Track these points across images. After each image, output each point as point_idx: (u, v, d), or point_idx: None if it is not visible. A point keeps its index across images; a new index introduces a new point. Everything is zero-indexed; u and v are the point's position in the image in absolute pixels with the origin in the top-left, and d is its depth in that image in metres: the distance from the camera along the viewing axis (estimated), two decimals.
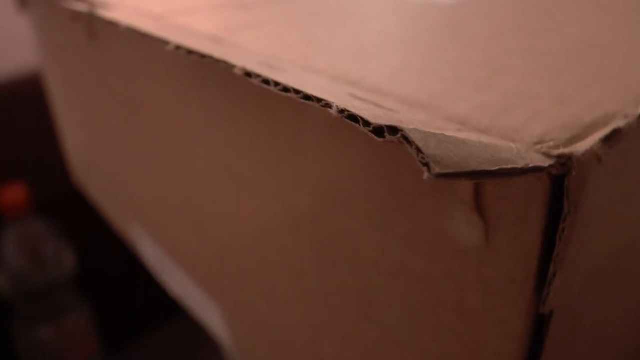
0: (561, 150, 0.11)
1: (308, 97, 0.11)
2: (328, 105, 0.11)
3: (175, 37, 0.17)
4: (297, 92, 0.11)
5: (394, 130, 0.10)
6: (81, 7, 0.22)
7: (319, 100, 0.11)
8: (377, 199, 0.15)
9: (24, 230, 0.59)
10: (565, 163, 0.11)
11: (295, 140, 0.17)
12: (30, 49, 0.64)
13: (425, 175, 0.09)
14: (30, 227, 0.60)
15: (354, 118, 0.10)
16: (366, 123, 0.10)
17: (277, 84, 0.12)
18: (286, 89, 0.12)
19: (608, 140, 0.12)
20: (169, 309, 0.60)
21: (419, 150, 0.09)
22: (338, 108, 0.10)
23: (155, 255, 0.36)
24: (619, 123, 0.12)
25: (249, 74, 0.13)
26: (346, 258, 0.17)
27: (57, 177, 0.58)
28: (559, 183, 0.11)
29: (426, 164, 0.09)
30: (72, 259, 0.62)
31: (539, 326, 0.13)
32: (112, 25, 0.19)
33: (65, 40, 0.34)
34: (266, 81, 0.12)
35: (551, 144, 0.12)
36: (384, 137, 0.10)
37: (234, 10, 0.24)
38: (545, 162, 0.11)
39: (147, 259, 0.38)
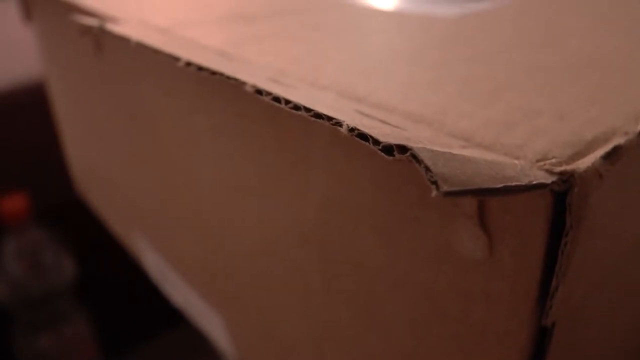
0: (563, 167, 0.12)
1: (319, 116, 0.11)
2: (338, 123, 0.11)
3: (184, 52, 0.18)
4: (308, 110, 0.12)
5: (402, 148, 0.10)
6: (91, 22, 0.22)
7: (330, 118, 0.11)
8: (383, 212, 0.15)
9: (24, 238, 0.59)
10: (567, 180, 0.11)
11: (302, 153, 0.17)
12: (31, 58, 0.64)
13: (434, 193, 0.09)
14: (30, 236, 0.60)
15: (363, 136, 0.11)
16: (376, 141, 0.10)
17: (287, 102, 0.12)
18: (297, 107, 0.12)
19: (609, 157, 0.12)
20: (170, 318, 0.60)
21: (427, 168, 0.09)
22: (348, 127, 0.11)
23: (157, 264, 0.36)
24: (620, 140, 0.13)
25: (259, 92, 0.13)
26: (352, 269, 0.17)
27: (58, 186, 0.58)
28: (561, 199, 0.12)
29: (434, 182, 0.09)
30: (71, 267, 0.62)
31: (542, 337, 0.14)
32: (122, 40, 0.20)
33: (71, 51, 0.34)
34: (277, 99, 0.13)
35: (553, 160, 0.12)
36: (393, 155, 0.10)
37: (239, 23, 0.24)
38: (548, 179, 0.11)
39: (149, 268, 0.39)
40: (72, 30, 0.29)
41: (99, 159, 0.39)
